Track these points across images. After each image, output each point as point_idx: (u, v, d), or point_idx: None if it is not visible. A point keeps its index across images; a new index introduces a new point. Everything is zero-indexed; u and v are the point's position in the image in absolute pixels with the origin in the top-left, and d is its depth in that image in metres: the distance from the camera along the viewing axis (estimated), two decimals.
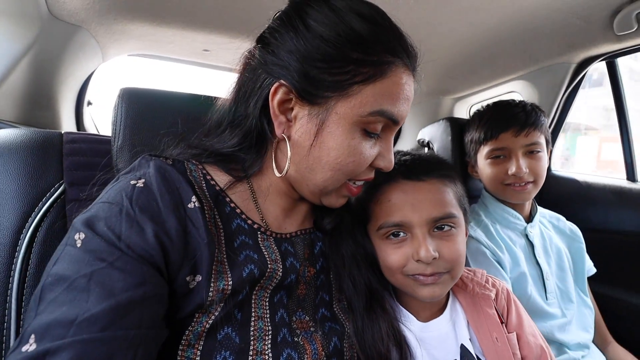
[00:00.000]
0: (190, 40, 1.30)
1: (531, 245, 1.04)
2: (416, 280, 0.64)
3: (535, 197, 1.52)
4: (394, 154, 0.63)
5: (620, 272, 1.27)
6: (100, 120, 1.62)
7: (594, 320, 1.05)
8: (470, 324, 0.69)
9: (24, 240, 0.66)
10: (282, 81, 0.53)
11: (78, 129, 1.44)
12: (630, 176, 1.35)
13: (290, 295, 0.59)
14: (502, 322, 0.69)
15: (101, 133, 1.40)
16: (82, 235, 0.43)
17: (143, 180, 0.49)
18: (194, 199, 0.50)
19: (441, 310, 0.71)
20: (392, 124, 0.56)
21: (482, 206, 1.13)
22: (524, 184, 1.01)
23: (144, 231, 0.44)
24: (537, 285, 0.99)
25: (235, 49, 0.62)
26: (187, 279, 0.47)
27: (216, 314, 0.47)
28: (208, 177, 0.57)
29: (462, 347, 0.66)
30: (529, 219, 1.08)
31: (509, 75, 1.49)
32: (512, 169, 1.00)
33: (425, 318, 0.69)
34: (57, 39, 1.11)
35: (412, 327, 0.67)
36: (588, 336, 1.01)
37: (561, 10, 1.08)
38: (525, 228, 1.06)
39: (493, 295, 0.71)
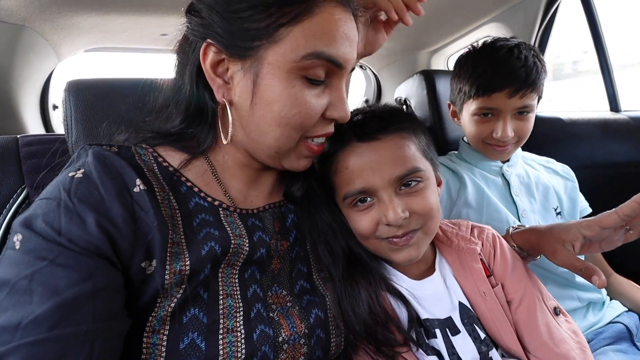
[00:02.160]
0: (144, 26, 1.24)
1: (508, 183, 1.03)
2: (390, 244, 0.62)
3: None
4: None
5: (614, 206, 1.26)
6: None
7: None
8: (458, 279, 0.67)
9: None
10: (208, 40, 0.50)
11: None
12: (614, 106, 1.32)
13: (264, 271, 0.57)
14: (489, 275, 0.68)
15: None
16: (20, 236, 0.41)
17: (82, 170, 0.47)
18: (138, 182, 0.48)
19: (431, 268, 0.69)
20: (335, 68, 0.52)
21: (457, 153, 1.11)
22: (506, 144, 0.96)
23: (85, 222, 0.42)
24: (512, 222, 0.98)
25: None
26: (143, 265, 0.45)
27: (178, 296, 0.46)
28: (160, 160, 0.55)
29: (461, 304, 0.64)
30: (506, 160, 1.06)
31: (481, 19, 1.44)
32: (498, 133, 0.93)
33: (416, 276, 0.68)
34: (2, 42, 1.06)
35: (405, 284, 0.65)
36: None
37: None
38: (502, 167, 1.04)
39: (478, 249, 0.69)
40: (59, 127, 1.47)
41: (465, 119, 1.02)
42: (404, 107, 1.32)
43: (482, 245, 0.71)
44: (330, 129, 0.58)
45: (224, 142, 0.55)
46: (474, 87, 0.94)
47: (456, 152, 1.12)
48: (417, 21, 1.43)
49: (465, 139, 1.11)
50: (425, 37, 1.59)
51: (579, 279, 0.95)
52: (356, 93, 2.14)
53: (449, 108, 1.10)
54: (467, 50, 1.02)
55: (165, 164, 0.55)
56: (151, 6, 1.14)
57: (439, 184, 0.70)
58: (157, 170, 0.53)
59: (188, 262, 0.47)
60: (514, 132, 0.93)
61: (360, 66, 1.94)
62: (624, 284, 1.07)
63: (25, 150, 0.74)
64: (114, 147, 0.53)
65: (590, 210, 1.11)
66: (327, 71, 0.52)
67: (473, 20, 1.46)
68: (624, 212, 0.60)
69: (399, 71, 1.83)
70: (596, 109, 1.39)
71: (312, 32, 0.49)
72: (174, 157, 0.56)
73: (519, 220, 0.99)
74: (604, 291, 1.02)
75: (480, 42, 1.00)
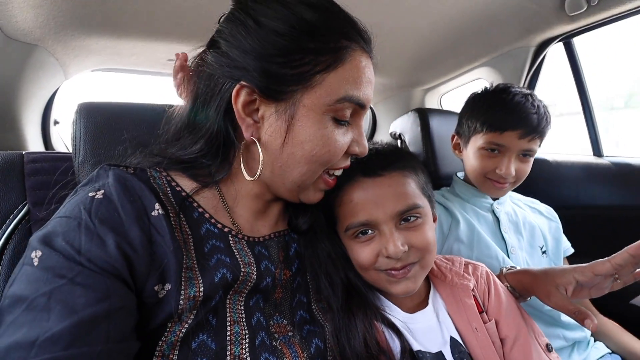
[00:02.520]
0: (152, 51, 1.28)
1: (497, 220, 1.07)
2: (389, 276, 0.65)
3: None
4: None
5: (595, 247, 1.29)
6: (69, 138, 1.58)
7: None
8: (450, 314, 0.69)
9: None
10: (242, 82, 0.52)
11: (46, 149, 1.41)
12: (596, 151, 1.39)
13: (267, 299, 0.58)
14: (481, 312, 0.69)
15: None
16: (39, 253, 0.42)
17: (102, 191, 0.48)
18: (157, 206, 0.50)
19: (424, 302, 0.71)
20: (359, 109, 0.57)
21: (450, 189, 1.15)
22: (505, 183, 1.01)
23: (105, 243, 0.43)
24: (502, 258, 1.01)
25: None
26: (156, 288, 0.46)
27: (189, 322, 0.47)
28: (173, 184, 0.57)
29: (452, 339, 0.66)
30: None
31: (473, 63, 1.53)
32: (502, 169, 0.97)
33: (409, 309, 0.69)
34: (14, 59, 1.09)
35: (398, 317, 0.67)
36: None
37: None
38: (492, 205, 1.08)
39: (472, 285, 0.71)
40: (57, 143, 1.48)
41: (470, 152, 1.05)
42: (399, 141, 1.38)
43: (477, 282, 0.73)
44: (348, 162, 0.62)
45: (248, 178, 0.58)
46: (487, 122, 0.99)
47: (448, 187, 1.16)
48: (412, 60, 1.53)
49: (459, 174, 1.16)
50: (420, 75, 1.67)
51: (565, 317, 0.97)
52: None
53: (452, 140, 1.13)
54: (481, 89, 1.08)
55: (178, 188, 0.57)
56: (160, 34, 1.19)
57: (434, 219, 0.73)
58: (170, 194, 0.55)
59: (202, 288, 0.48)
60: (515, 171, 0.98)
61: None
62: (609, 325, 1.09)
63: (30, 167, 0.75)
64: (130, 169, 0.55)
65: (572, 250, 1.14)
66: (352, 112, 0.56)
67: (465, 63, 1.55)
68: (616, 261, 0.64)
69: (394, 106, 1.90)
70: (572, 149, 1.45)
71: (344, 77, 0.53)
72: (185, 183, 0.58)
73: (508, 256, 1.02)
74: (588, 331, 1.04)
75: (494, 84, 1.07)
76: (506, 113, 0.97)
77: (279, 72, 0.51)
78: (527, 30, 1.27)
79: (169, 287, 0.47)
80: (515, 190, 1.18)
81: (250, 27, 0.52)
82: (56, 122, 1.47)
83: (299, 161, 0.55)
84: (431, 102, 1.86)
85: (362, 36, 0.56)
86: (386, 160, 0.68)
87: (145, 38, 1.20)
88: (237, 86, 0.52)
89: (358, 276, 0.68)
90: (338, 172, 0.62)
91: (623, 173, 1.31)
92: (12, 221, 0.71)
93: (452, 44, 1.40)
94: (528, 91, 1.02)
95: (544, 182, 1.49)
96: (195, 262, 0.51)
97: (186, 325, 0.46)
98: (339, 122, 0.55)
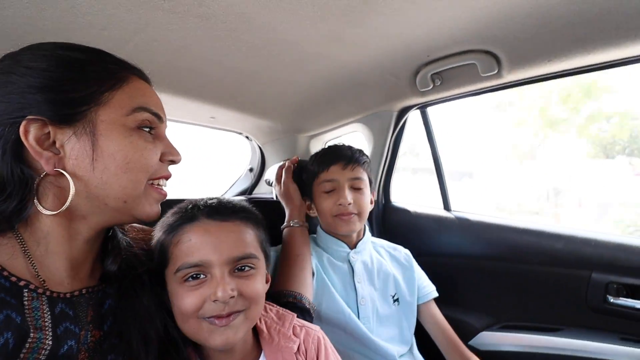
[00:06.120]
0: (197, 109, 1.40)
1: (352, 270, 1.15)
2: (211, 324, 0.63)
3: (376, 226, 1.69)
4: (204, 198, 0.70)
5: (455, 293, 1.45)
6: None
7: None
8: None
9: None
10: (29, 117, 0.52)
11: None
12: (446, 207, 1.59)
13: None
14: None
15: None
16: None
17: None
18: None
19: None
20: (157, 121, 0.62)
21: (315, 240, 1.22)
22: (349, 214, 1.13)
23: None
24: (352, 307, 1.09)
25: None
26: None
27: None
28: None
29: None
30: (354, 246, 1.20)
31: (349, 117, 1.65)
32: (340, 200, 1.12)
33: None
34: None
35: None
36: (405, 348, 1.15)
37: (376, 68, 1.24)
38: (349, 254, 1.17)
39: (295, 348, 0.72)
40: None
41: (316, 201, 1.18)
42: (272, 188, 1.40)
43: (306, 347, 0.74)
44: (169, 172, 0.66)
45: (46, 212, 0.54)
46: (317, 165, 1.18)
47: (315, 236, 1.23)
48: (294, 109, 1.59)
49: (320, 226, 1.22)
50: (303, 123, 1.74)
51: None
52: (242, 161, 2.18)
53: (305, 202, 1.23)
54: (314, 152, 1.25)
55: None
56: (207, 95, 1.31)
57: (267, 281, 0.74)
58: None
59: None
60: (353, 201, 1.11)
61: (247, 137, 2.02)
62: None
63: None
64: None
65: (436, 294, 1.26)
66: (152, 126, 0.62)
67: (343, 117, 1.67)
68: None
69: (281, 147, 1.95)
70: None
71: (131, 93, 0.59)
72: None
73: (357, 307, 1.08)
74: None
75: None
76: (327, 155, 1.20)
77: (68, 97, 0.54)
78: (389, 97, 1.43)
79: None
80: (384, 235, 1.30)
81: (23, 71, 0.53)
82: None
83: (116, 173, 0.56)
84: (316, 147, 1.94)
85: (137, 71, 0.63)
86: (232, 208, 0.72)
87: (194, 99, 1.32)
88: (24, 122, 0.51)
89: (177, 329, 0.66)
90: (163, 182, 0.65)
91: (465, 226, 1.52)
92: None
93: (330, 99, 1.50)
94: (342, 144, 1.25)
95: (407, 230, 1.65)
96: None
97: None
98: (143, 130, 0.60)
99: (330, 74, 1.29)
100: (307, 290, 0.95)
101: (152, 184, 0.62)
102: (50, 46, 0.57)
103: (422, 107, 1.49)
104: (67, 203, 0.53)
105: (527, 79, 1.16)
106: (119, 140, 0.56)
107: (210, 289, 0.63)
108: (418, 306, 1.24)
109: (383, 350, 1.06)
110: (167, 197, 0.66)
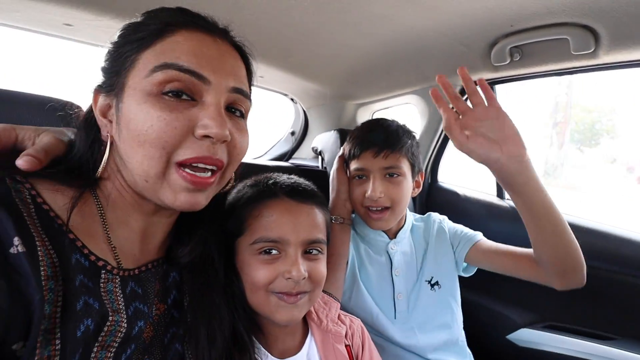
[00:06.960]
0: (42, 12, 1.07)
1: (390, 262, 1.05)
2: (280, 299, 0.64)
3: (419, 205, 1.60)
4: (280, 169, 0.65)
5: (497, 285, 1.38)
6: None
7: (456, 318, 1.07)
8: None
9: None
10: (95, 87, 0.55)
11: None
12: (500, 194, 1.48)
13: (138, 345, 0.52)
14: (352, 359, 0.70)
15: None
16: None
17: None
18: (16, 240, 0.40)
19: (297, 347, 0.69)
20: (197, 81, 0.50)
21: (354, 223, 1.12)
22: (380, 209, 0.98)
23: None
24: (387, 303, 1.01)
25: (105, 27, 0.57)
26: (14, 347, 0.38)
27: None
28: (39, 200, 0.46)
29: None
30: (394, 235, 1.08)
31: (404, 88, 1.53)
32: (368, 191, 0.97)
33: (279, 353, 0.67)
34: None
35: None
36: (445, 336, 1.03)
37: (447, 35, 1.11)
38: (387, 244, 1.06)
39: (343, 332, 0.72)
40: None
41: (351, 188, 1.06)
42: (319, 157, 1.34)
43: (352, 335, 0.74)
44: (205, 152, 0.51)
45: (99, 172, 0.53)
46: (350, 150, 1.04)
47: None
48: (346, 74, 1.49)
49: None
50: (353, 89, 1.64)
51: None
52: (285, 123, 2.13)
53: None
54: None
55: (45, 206, 0.46)
56: None
57: None
58: (35, 216, 0.44)
59: (58, 347, 0.40)
60: (385, 193, 0.97)
61: (292, 99, 1.94)
62: None
63: None
64: None
65: (482, 237, 1.11)
66: (189, 86, 0.51)
67: (397, 87, 1.55)
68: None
69: (326, 113, 1.86)
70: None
71: (161, 51, 0.51)
72: (54, 197, 0.48)
73: (393, 302, 1.02)
74: None
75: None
76: (359, 138, 1.03)
77: (107, 67, 0.54)
78: (454, 69, 1.29)
79: (27, 344, 0.38)
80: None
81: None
82: None
83: (132, 146, 0.50)
84: (363, 117, 1.85)
85: (195, 19, 0.54)
86: (310, 192, 0.74)
87: None
88: (94, 93, 0.55)
89: (243, 322, 0.65)
90: (200, 165, 0.51)
91: (519, 217, 1.41)
92: None
93: (386, 66, 1.38)
94: (383, 120, 1.07)
95: (451, 212, 1.55)
96: (58, 306, 0.41)
97: None
98: (168, 95, 0.50)
99: (392, 39, 1.17)
100: (337, 291, 0.90)
101: (180, 165, 0.50)
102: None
103: (492, 84, 1.34)
104: (101, 167, 0.53)
105: (628, 62, 0.99)
106: (132, 108, 0.50)
107: (284, 266, 0.65)
108: (467, 254, 1.08)
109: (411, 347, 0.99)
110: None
